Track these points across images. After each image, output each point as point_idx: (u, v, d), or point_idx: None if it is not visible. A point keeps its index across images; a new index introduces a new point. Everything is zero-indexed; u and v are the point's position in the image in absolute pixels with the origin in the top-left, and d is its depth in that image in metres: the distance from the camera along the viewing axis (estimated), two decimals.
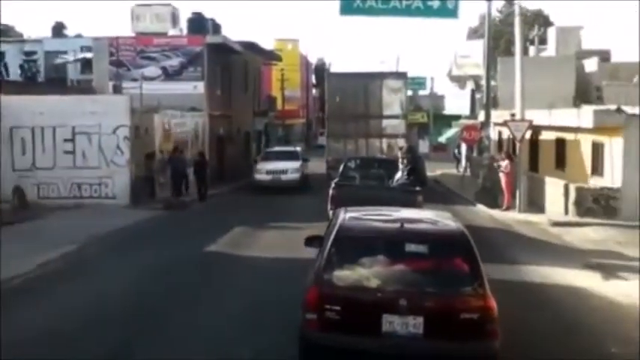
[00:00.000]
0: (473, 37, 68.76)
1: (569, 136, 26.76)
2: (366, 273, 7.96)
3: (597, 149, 24.27)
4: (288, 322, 10.18)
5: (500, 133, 36.40)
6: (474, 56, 55.51)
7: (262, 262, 16.07)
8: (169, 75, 36.57)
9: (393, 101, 31.57)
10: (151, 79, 36.09)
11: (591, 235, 20.02)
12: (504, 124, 26.62)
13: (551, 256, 16.89)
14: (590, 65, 40.41)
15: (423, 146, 64.06)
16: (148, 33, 38.18)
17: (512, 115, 28.26)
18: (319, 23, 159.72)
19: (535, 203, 25.63)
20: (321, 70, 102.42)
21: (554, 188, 24.75)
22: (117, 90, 32.51)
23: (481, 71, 55.76)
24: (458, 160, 47.50)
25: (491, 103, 32.67)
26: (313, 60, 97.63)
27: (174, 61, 36.73)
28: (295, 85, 79.96)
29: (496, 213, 25.17)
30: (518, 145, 25.26)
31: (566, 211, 23.26)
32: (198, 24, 39.67)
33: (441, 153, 57.42)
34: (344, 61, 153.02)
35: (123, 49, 36.86)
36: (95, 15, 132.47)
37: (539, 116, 26.65)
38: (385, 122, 31.47)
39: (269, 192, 30.99)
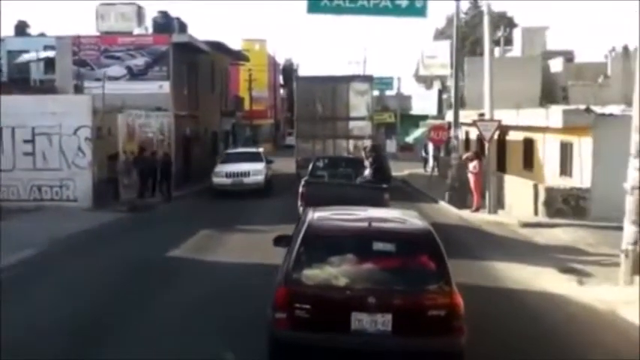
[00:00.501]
0: (440, 38, 68.89)
1: (537, 136, 26.66)
2: (335, 272, 8.04)
3: (566, 149, 24.15)
4: (245, 330, 9.99)
5: (467, 133, 36.28)
6: (440, 57, 55.52)
7: (226, 268, 15.44)
8: (134, 74, 35.93)
9: (359, 103, 32.46)
10: (116, 78, 35.53)
11: (562, 236, 19.79)
12: (473, 124, 26.43)
13: (524, 258, 16.57)
14: (556, 65, 40.47)
15: (391, 146, 64.22)
16: (113, 32, 37.50)
17: (481, 115, 28.10)
18: (287, 24, 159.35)
19: (503, 204, 25.49)
20: (289, 70, 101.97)
21: (523, 188, 24.59)
22: (78, 90, 31.83)
23: (448, 71, 55.84)
24: (425, 160, 47.41)
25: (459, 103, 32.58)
26: (281, 60, 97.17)
27: (140, 61, 36.10)
28: (263, 86, 79.41)
29: (465, 214, 24.97)
30: (487, 145, 25.06)
31: (536, 212, 23.09)
32: (164, 23, 39.07)
33: (409, 153, 57.64)
34: (312, 62, 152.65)
35: (86, 48, 36.14)
36: (60, 14, 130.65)
37: (506, 116, 26.49)
38: (352, 124, 32.36)
39: (231, 197, 29.28)
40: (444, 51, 54.48)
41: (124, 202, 26.04)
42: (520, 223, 21.99)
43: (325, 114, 32.38)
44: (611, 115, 22.64)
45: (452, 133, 29.41)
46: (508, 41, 53.20)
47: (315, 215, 9.14)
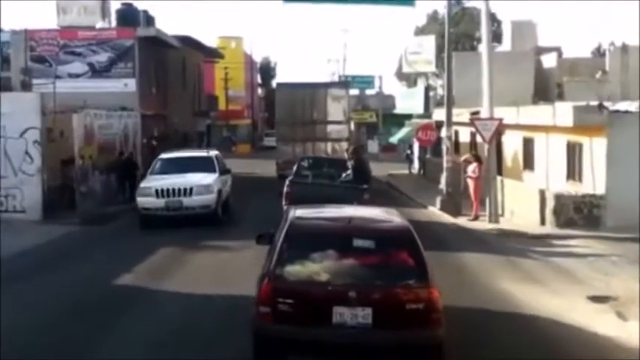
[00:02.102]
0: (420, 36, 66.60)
1: (538, 136, 24.20)
2: (317, 268, 8.27)
3: (574, 151, 21.65)
4: None
5: (456, 133, 33.79)
6: (425, 52, 53.02)
7: (183, 303, 12.41)
8: (97, 71, 33.55)
9: (336, 108, 33.73)
10: (77, 76, 33.11)
11: (578, 250, 17.21)
12: (470, 122, 23.88)
13: (541, 281, 14.06)
14: (549, 61, 38.16)
15: (373, 146, 62.13)
16: (75, 27, 34.85)
17: (474, 113, 25.80)
18: (264, 21, 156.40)
19: (503, 211, 22.91)
20: (266, 69, 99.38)
21: (526, 194, 22.07)
22: (26, 87, 28.81)
23: (432, 68, 53.54)
24: (410, 161, 45.25)
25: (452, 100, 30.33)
26: (258, 59, 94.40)
27: (103, 57, 33.78)
28: (239, 85, 76.86)
29: (463, 222, 22.38)
30: (486, 146, 22.51)
31: (543, 221, 20.54)
32: (129, 16, 36.39)
33: (391, 153, 56.24)
34: (290, 61, 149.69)
35: (44, 43, 33.47)
36: (18, 8, 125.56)
37: (504, 114, 23.90)
38: (330, 127, 33.44)
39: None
40: (428, 46, 51.95)
41: (81, 213, 23.14)
42: (527, 234, 19.41)
43: (305, 118, 33.44)
44: (627, 112, 20.18)
45: (444, 133, 26.87)
46: (495, 37, 50.87)
47: (297, 213, 9.43)
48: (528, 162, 25.34)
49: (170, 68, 38.84)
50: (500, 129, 24.63)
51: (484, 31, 24.34)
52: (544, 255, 16.81)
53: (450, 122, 25.94)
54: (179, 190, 21.16)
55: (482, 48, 24.30)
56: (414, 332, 8.03)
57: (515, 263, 16.12)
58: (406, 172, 43.75)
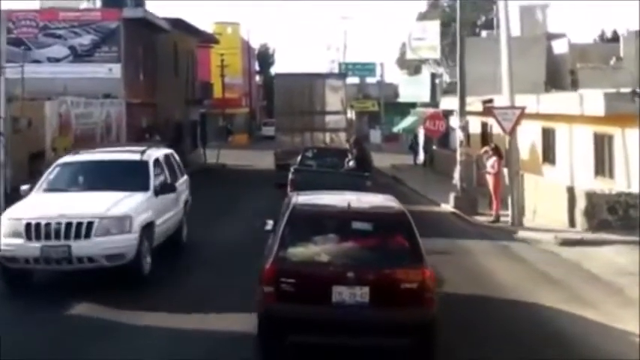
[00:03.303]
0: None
1: (560, 127, 21.92)
2: (318, 249, 8.88)
3: (603, 143, 19.35)
4: None
5: (466, 123, 31.49)
6: (429, 38, 50.81)
7: (153, 343, 9.93)
8: (79, 55, 31.28)
9: (334, 99, 34.07)
10: (57, 60, 30.84)
11: (618, 260, 14.88)
12: (488, 111, 21.56)
13: (593, 306, 11.74)
14: (560, 47, 35.85)
15: (375, 136, 60.25)
16: (56, 8, 32.56)
17: (487, 101, 23.59)
18: (262, 7, 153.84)
19: (524, 210, 20.57)
20: (264, 56, 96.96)
21: (551, 192, 19.75)
22: None
23: (437, 54, 51.26)
24: (415, 152, 43.15)
25: (452, 88, 28.28)
26: (256, 45, 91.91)
27: (85, 40, 31.62)
28: (236, 72, 74.30)
29: (484, 224, 20.15)
30: (506, 138, 20.19)
31: (572, 223, 18.22)
32: None
33: (394, 143, 54.84)
34: (288, 47, 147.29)
35: (22, 24, 31.11)
36: None
37: (521, 102, 21.57)
38: (328, 118, 33.66)
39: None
40: (432, 32, 49.65)
41: None
42: (557, 239, 17.09)
43: (303, 108, 33.47)
44: None
45: (455, 123, 24.61)
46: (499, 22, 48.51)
47: (299, 199, 9.90)
48: (548, 155, 23.11)
49: (160, 53, 36.51)
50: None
51: (502, 15, 22.00)
52: (588, 268, 14.57)
53: (463, 111, 23.66)
54: (67, 225, 11.91)
55: (501, 33, 21.90)
56: (408, 310, 8.44)
57: (561, 280, 13.75)
58: (410, 163, 41.91)
